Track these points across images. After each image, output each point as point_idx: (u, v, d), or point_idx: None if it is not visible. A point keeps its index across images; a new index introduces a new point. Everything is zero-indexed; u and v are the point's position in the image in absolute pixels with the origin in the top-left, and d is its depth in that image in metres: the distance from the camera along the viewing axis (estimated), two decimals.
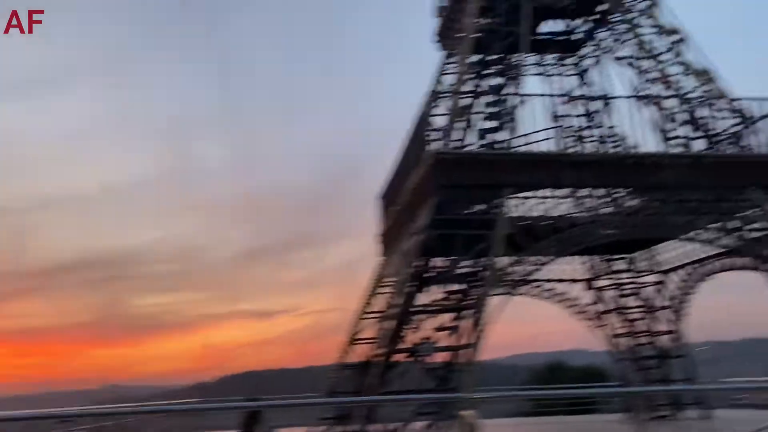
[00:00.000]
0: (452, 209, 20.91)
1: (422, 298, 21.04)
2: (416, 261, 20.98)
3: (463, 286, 20.81)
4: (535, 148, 22.89)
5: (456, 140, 22.54)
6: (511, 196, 21.36)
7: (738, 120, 22.47)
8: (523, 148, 22.81)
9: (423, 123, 21.98)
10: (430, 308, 20.49)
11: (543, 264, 21.87)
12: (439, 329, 20.33)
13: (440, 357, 20.21)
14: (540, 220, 21.67)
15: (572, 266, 28.39)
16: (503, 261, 20.87)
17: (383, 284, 25.64)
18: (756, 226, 21.63)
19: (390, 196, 27.15)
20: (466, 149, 22.33)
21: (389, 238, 26.97)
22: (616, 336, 28.00)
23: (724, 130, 22.68)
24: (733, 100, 22.82)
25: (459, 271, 20.95)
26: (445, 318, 20.78)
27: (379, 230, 28.56)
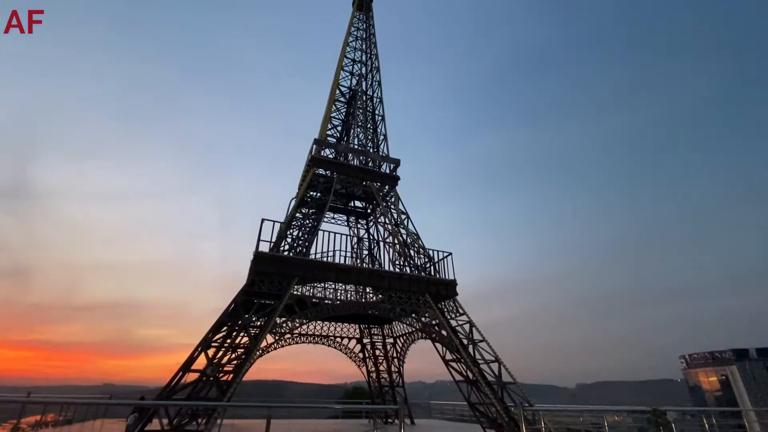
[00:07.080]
0: (260, 287, 37.29)
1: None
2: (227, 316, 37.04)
3: (253, 332, 36.92)
4: (324, 259, 40.02)
5: (276, 248, 39.27)
6: (302, 284, 38.09)
7: (427, 259, 40.37)
8: (312, 257, 39.83)
9: (259, 237, 38.64)
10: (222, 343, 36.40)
11: (305, 323, 38.44)
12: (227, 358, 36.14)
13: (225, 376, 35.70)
14: (309, 298, 38.37)
15: (354, 328, 45.42)
16: (282, 319, 37.30)
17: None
18: (427, 315, 39.10)
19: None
20: (276, 253, 39.04)
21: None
22: (370, 372, 44.80)
23: (421, 264, 40.46)
24: (426, 248, 40.83)
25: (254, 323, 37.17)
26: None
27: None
